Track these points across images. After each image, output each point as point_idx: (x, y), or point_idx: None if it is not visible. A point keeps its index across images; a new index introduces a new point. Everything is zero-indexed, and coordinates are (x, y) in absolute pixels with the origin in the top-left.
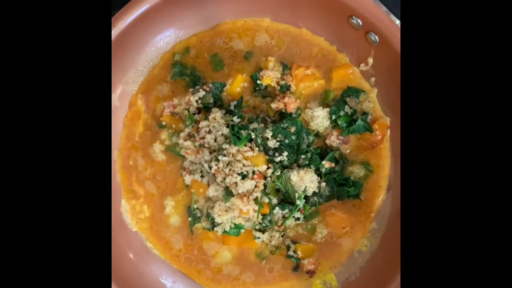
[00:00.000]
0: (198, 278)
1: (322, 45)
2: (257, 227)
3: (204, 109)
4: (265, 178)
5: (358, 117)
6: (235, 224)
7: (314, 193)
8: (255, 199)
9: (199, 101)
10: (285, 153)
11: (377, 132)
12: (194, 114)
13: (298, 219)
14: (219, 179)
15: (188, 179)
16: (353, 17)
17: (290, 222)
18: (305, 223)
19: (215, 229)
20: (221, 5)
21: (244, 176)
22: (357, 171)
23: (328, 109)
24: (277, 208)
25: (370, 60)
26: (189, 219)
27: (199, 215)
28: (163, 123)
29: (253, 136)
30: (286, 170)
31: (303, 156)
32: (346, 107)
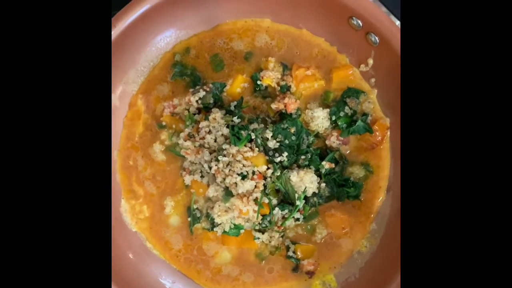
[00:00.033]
0: (198, 278)
1: (322, 46)
2: (257, 228)
3: (204, 110)
4: (265, 178)
5: (358, 118)
6: (234, 225)
7: (314, 194)
8: (255, 200)
9: (199, 101)
10: (285, 154)
11: (377, 133)
12: (194, 114)
13: (297, 219)
14: (219, 179)
15: (188, 179)
16: (353, 18)
17: (290, 222)
18: (304, 224)
19: (214, 229)
20: (222, 5)
21: (244, 177)
22: (357, 172)
23: (328, 109)
24: (276, 208)
25: (370, 61)
26: (189, 219)
27: (198, 215)
28: (163, 123)
29: (253, 137)
30: (286, 170)
31: (303, 157)
32: (346, 108)
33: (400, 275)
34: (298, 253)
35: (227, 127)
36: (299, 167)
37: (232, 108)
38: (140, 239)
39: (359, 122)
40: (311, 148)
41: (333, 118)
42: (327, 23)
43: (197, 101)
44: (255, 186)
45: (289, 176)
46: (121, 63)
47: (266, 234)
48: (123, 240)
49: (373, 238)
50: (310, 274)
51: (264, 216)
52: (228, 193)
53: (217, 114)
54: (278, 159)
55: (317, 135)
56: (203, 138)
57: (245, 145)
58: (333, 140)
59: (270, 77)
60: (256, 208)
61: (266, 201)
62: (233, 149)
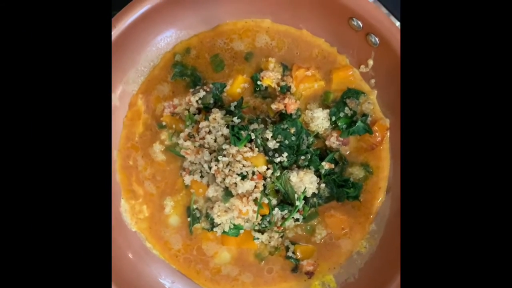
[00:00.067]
0: (197, 278)
1: (322, 47)
2: (257, 228)
3: (204, 110)
4: (264, 178)
5: (358, 119)
6: (234, 225)
7: (314, 194)
8: (255, 200)
9: (200, 102)
10: (285, 154)
11: (377, 134)
12: (194, 114)
13: (297, 220)
14: (218, 179)
15: (187, 179)
16: (354, 19)
17: (290, 223)
18: (304, 224)
19: (214, 229)
20: (222, 6)
21: (243, 177)
22: (356, 172)
23: (328, 110)
24: (276, 209)
25: (370, 62)
26: (189, 219)
27: (198, 215)
28: (163, 123)
29: (253, 137)
30: (285, 171)
31: (302, 157)
32: (346, 108)
33: (399, 275)
34: (298, 253)
35: (227, 127)
36: (299, 167)
37: (232, 108)
38: (139, 239)
39: (359, 123)
40: (311, 149)
41: (333, 118)
42: (327, 23)
43: (197, 101)
44: (255, 187)
45: (289, 177)
46: (121, 63)
47: (265, 234)
48: (122, 240)
49: (372, 239)
50: (310, 274)
51: (263, 216)
52: (227, 193)
53: (217, 114)
54: (278, 160)
55: (317, 136)
56: (203, 138)
57: (245, 145)
58: (333, 141)
59: (270, 78)
60: (255, 208)
61: (266, 201)
62: (233, 149)
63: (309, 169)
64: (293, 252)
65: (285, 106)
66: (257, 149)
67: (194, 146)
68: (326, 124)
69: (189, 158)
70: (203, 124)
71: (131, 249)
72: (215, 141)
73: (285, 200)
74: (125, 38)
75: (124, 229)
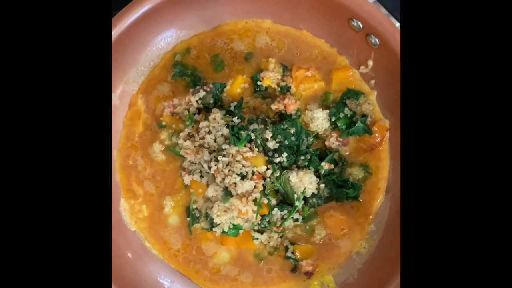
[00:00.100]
0: (196, 278)
1: (322, 47)
2: (256, 228)
3: (204, 110)
4: (264, 179)
5: (357, 119)
6: (233, 225)
7: (313, 195)
8: (254, 200)
9: (199, 102)
10: (285, 154)
11: (376, 134)
12: (194, 114)
13: (296, 220)
14: (218, 179)
15: (187, 179)
16: (354, 19)
17: (289, 223)
18: (303, 224)
19: (213, 229)
20: (222, 6)
21: (243, 177)
22: (356, 173)
23: (327, 111)
24: (276, 209)
25: (370, 63)
26: (188, 219)
27: (198, 215)
28: (163, 123)
29: (252, 137)
30: (285, 171)
31: (302, 158)
32: (346, 109)
33: (398, 276)
34: (297, 253)
35: (227, 127)
36: (298, 167)
37: (232, 108)
38: (139, 239)
39: (358, 124)
40: (310, 149)
41: (333, 119)
42: (327, 24)
43: (197, 101)
44: (255, 187)
45: (289, 177)
46: (122, 63)
47: (265, 234)
48: (122, 239)
49: (371, 239)
50: (309, 274)
51: (263, 216)
52: (227, 193)
53: (217, 114)
54: (277, 160)
55: (316, 136)
56: (203, 138)
57: (244, 146)
58: (333, 141)
59: (270, 78)
60: (255, 208)
61: (265, 201)
62: (233, 149)
63: (309, 169)
64: (292, 252)
65: (285, 107)
66: (256, 149)
67: (194, 146)
68: (326, 124)
69: (188, 158)
70: (203, 124)
71: (131, 248)
72: (215, 141)
73: (285, 200)
74: (125, 37)
75: (123, 228)
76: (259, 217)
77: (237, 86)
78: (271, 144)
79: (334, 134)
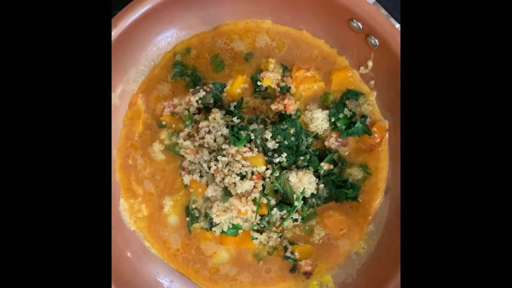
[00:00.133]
0: (195, 278)
1: (322, 48)
2: (255, 228)
3: (204, 110)
4: (263, 179)
5: (357, 120)
6: (233, 225)
7: (312, 195)
8: (254, 200)
9: (199, 101)
10: (284, 154)
11: (376, 135)
12: (194, 114)
13: (296, 220)
14: (218, 179)
15: (187, 179)
16: (354, 20)
17: (288, 223)
18: (302, 225)
19: (213, 229)
20: (222, 6)
21: (243, 177)
22: (355, 173)
23: (327, 111)
24: (275, 209)
25: (370, 63)
26: (187, 219)
27: (197, 215)
28: (163, 122)
29: (252, 137)
30: (285, 171)
31: (302, 158)
32: (346, 109)
33: (397, 276)
34: (296, 253)
35: (227, 127)
36: (298, 168)
37: (232, 108)
38: (138, 238)
39: (358, 124)
40: (310, 149)
41: (332, 119)
42: (327, 25)
43: (197, 101)
44: (254, 187)
45: (288, 177)
46: (122, 63)
47: (264, 234)
48: (121, 238)
49: (370, 240)
50: (308, 274)
51: (262, 216)
52: (227, 193)
53: (217, 114)
54: (277, 160)
55: (316, 136)
56: (203, 138)
57: (244, 146)
58: (332, 142)
59: (270, 78)
60: (254, 208)
61: (265, 201)
62: (233, 149)
63: (308, 169)
64: (292, 252)
65: (284, 107)
66: (256, 149)
67: (194, 146)
68: (326, 125)
69: (188, 157)
70: (202, 124)
71: (130, 248)
72: (215, 141)
73: (284, 200)
74: (125, 37)
75: (123, 228)
76: (258, 217)
77: (237, 86)
78: (271, 144)
79: (334, 135)
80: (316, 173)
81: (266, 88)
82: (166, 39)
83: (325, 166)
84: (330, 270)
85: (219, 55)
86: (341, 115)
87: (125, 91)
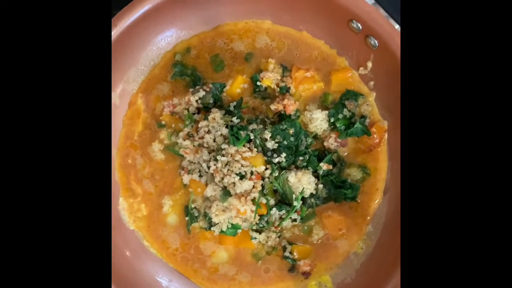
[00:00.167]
0: (194, 277)
1: (322, 48)
2: (254, 228)
3: (204, 109)
4: (263, 178)
5: (356, 120)
6: (232, 224)
7: (311, 195)
8: (253, 200)
9: (199, 101)
10: (284, 155)
11: (375, 136)
12: (194, 114)
13: (295, 220)
14: (217, 179)
15: (186, 178)
16: (353, 21)
17: (287, 223)
18: (301, 225)
19: (212, 228)
20: (223, 6)
21: (242, 177)
22: (354, 173)
23: (326, 111)
24: (274, 209)
25: (369, 64)
26: (187, 218)
27: (196, 214)
28: (163, 122)
29: (252, 137)
30: (284, 171)
31: (301, 158)
32: (345, 110)
33: (396, 276)
34: (295, 253)
35: (226, 127)
36: (297, 168)
37: (232, 108)
38: (137, 238)
39: (357, 125)
40: (309, 150)
41: (332, 120)
42: (327, 25)
43: (196, 101)
44: (253, 186)
45: (287, 177)
46: (122, 62)
47: (263, 234)
48: (120, 238)
49: (369, 240)
50: (306, 274)
51: (261, 216)
52: (226, 193)
53: (216, 114)
54: (276, 160)
55: (315, 137)
56: (202, 137)
57: (244, 145)
58: (331, 142)
59: (270, 78)
60: (253, 208)
61: (264, 201)
62: (232, 149)
63: (307, 169)
64: (290, 252)
65: (284, 107)
66: (255, 149)
67: (193, 146)
68: (325, 125)
69: (188, 157)
70: (202, 123)
71: (129, 247)
72: (214, 140)
73: (283, 200)
74: (125, 37)
75: (122, 227)
76: (257, 217)
77: (237, 86)
78: (270, 144)
79: (333, 135)
80: (315, 173)
81: (266, 88)
82: (166, 39)
83: (324, 166)
84: (329, 270)
85: (219, 55)
86: (340, 116)
87: (125, 91)
